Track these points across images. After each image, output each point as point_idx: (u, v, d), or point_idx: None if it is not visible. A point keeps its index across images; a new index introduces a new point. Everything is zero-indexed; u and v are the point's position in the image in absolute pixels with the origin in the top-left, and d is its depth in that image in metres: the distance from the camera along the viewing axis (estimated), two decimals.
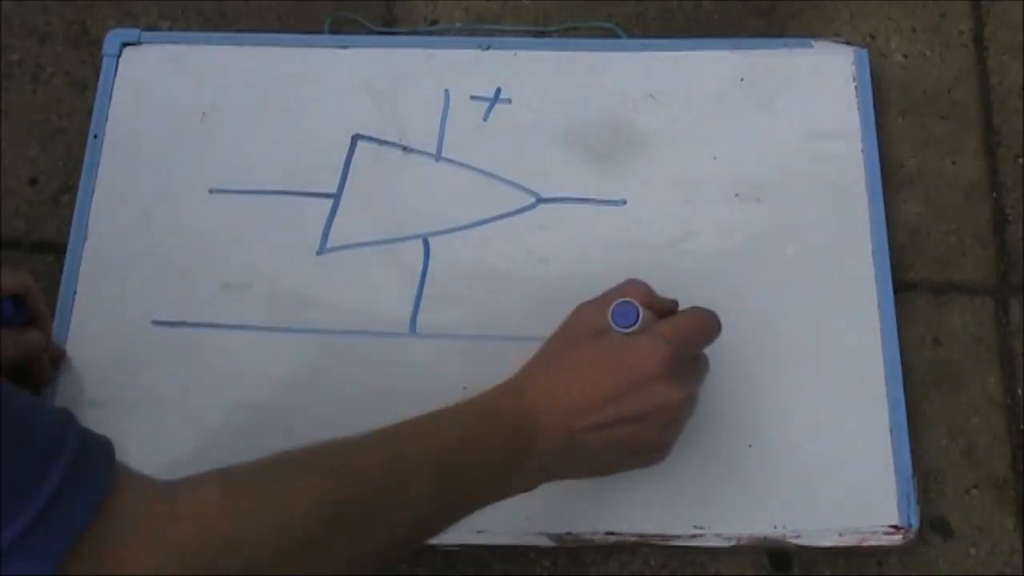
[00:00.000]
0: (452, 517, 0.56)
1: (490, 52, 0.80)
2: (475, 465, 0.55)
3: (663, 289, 0.72)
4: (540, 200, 0.75)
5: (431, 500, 0.54)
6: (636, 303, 0.59)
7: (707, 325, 0.61)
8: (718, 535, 0.66)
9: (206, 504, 0.48)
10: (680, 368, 0.59)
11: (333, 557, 0.50)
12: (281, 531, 0.48)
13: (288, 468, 0.51)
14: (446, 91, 0.78)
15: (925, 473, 0.69)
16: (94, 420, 0.69)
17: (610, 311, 0.59)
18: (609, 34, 0.81)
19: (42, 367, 0.69)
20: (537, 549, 0.67)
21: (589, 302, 0.62)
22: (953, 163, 0.78)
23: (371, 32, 0.81)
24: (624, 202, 0.75)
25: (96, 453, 0.46)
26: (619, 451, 0.59)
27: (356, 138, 0.77)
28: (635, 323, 0.58)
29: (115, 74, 0.79)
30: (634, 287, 0.61)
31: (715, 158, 0.76)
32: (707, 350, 0.63)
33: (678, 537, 0.66)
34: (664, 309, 0.62)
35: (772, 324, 0.71)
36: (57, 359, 0.70)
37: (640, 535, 0.66)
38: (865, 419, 0.69)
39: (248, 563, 0.47)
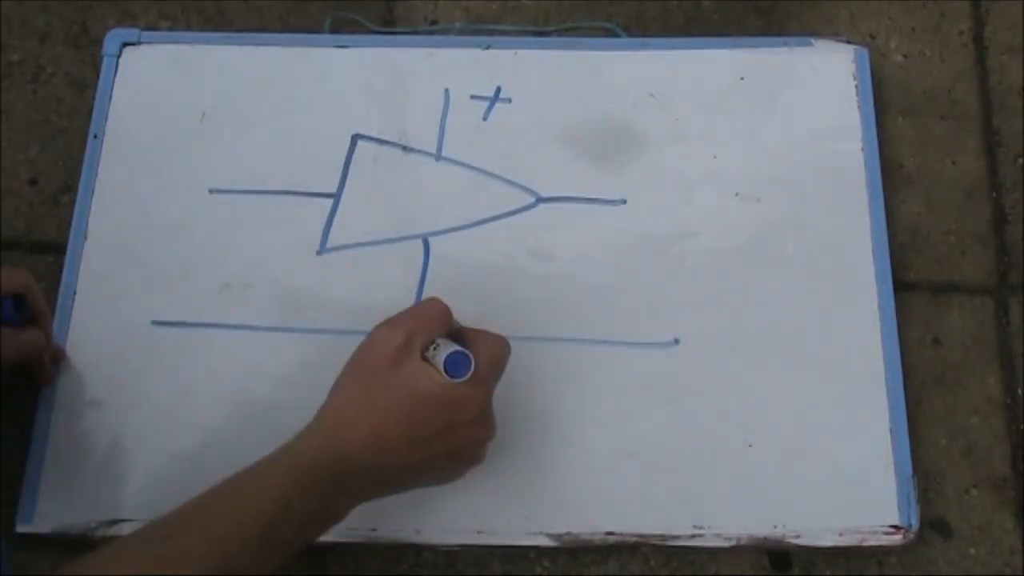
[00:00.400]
0: (274, 566, 0.56)
1: (490, 52, 0.80)
2: (295, 524, 0.56)
3: (663, 288, 0.72)
4: (540, 200, 0.75)
5: (254, 567, 0.55)
6: (470, 355, 0.59)
7: (506, 348, 0.63)
8: (718, 535, 0.66)
9: None
10: (490, 404, 0.61)
11: None
12: None
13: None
14: (446, 91, 0.78)
15: (925, 473, 0.69)
16: (94, 420, 0.69)
17: (443, 361, 0.58)
18: (609, 34, 0.81)
19: (44, 367, 0.69)
20: (537, 549, 0.67)
21: (391, 325, 0.60)
22: (953, 163, 0.78)
23: (371, 32, 0.81)
24: (624, 201, 0.75)
25: None
26: (425, 479, 0.62)
27: (356, 138, 0.77)
28: (467, 375, 0.59)
29: (115, 74, 0.79)
30: (437, 314, 0.61)
31: (715, 157, 0.76)
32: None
33: (678, 537, 0.66)
34: (451, 317, 0.63)
35: (772, 324, 0.71)
36: (58, 358, 0.70)
37: (640, 535, 0.66)
38: (865, 419, 0.69)
39: None
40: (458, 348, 0.59)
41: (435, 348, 0.60)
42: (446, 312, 0.62)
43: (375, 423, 0.58)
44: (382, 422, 0.58)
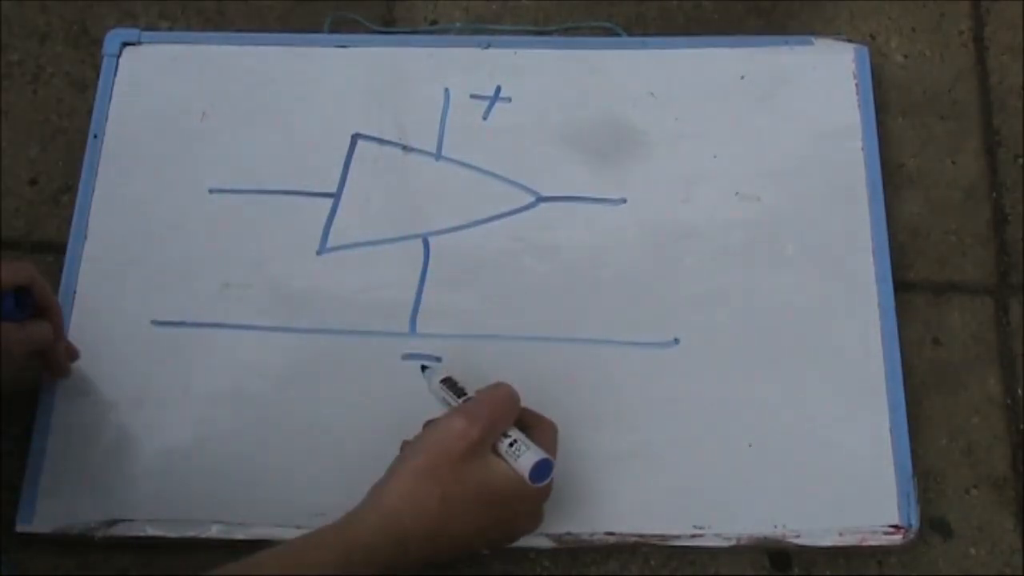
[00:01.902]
0: None
1: (490, 51, 0.80)
2: None
3: (663, 288, 0.72)
4: (540, 199, 0.75)
5: None
6: (553, 461, 0.60)
7: (557, 433, 0.63)
8: (718, 535, 0.66)
9: None
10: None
11: None
12: None
13: None
14: (446, 90, 0.78)
15: (925, 473, 0.69)
16: (94, 420, 0.69)
17: (528, 471, 0.59)
18: (609, 34, 0.81)
19: (57, 360, 0.68)
20: (537, 549, 0.67)
21: (469, 418, 0.59)
22: (953, 163, 0.78)
23: (371, 32, 0.81)
24: (624, 201, 0.75)
25: None
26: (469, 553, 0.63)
27: (356, 138, 0.77)
28: (548, 479, 0.60)
29: (115, 74, 0.79)
30: (508, 409, 0.61)
31: (715, 157, 0.76)
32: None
33: (678, 537, 0.66)
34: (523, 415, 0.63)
35: (772, 324, 0.71)
36: (73, 356, 0.69)
37: (640, 535, 0.66)
38: (865, 419, 0.69)
39: None
40: (543, 455, 0.59)
41: (511, 444, 0.60)
42: (517, 402, 0.61)
43: (443, 516, 0.57)
44: (450, 516, 0.57)
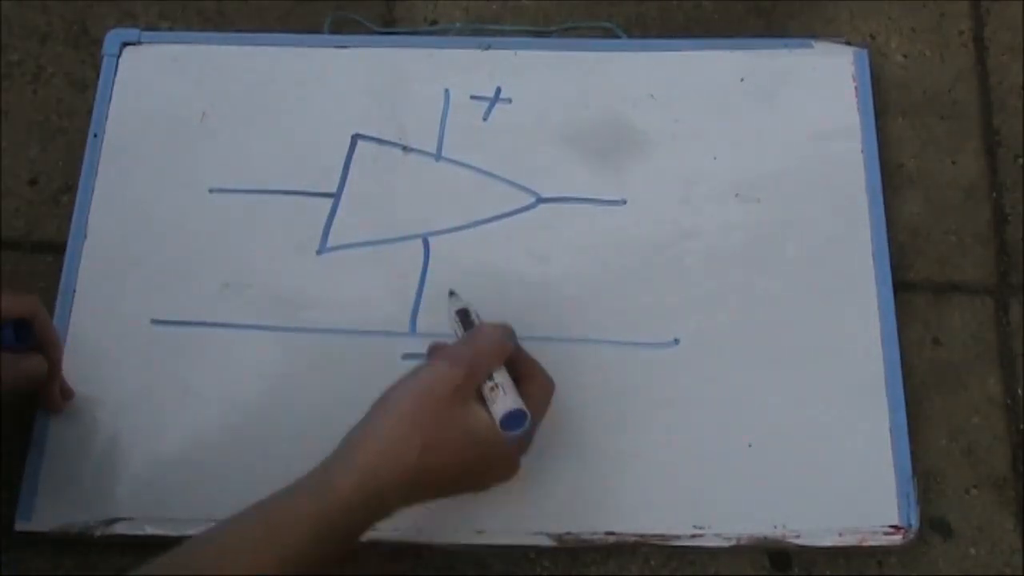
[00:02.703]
0: None
1: (490, 52, 0.80)
2: (320, 564, 0.55)
3: (663, 288, 0.72)
4: (540, 200, 0.75)
5: None
6: (527, 413, 0.59)
7: (551, 395, 0.63)
8: (718, 535, 0.66)
9: None
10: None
11: None
12: None
13: None
14: (446, 91, 0.78)
15: (925, 473, 0.69)
16: (94, 419, 0.69)
17: (500, 419, 0.58)
18: (609, 34, 0.81)
19: (49, 395, 0.67)
20: (537, 549, 0.67)
21: (452, 361, 0.58)
22: (953, 163, 0.78)
23: (371, 32, 0.81)
24: (624, 202, 0.75)
25: None
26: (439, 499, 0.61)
27: (356, 138, 0.77)
28: (523, 429, 0.59)
29: (115, 74, 0.79)
30: (493, 349, 0.60)
31: (715, 158, 0.76)
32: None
33: (678, 537, 0.66)
34: (512, 348, 0.62)
35: (772, 324, 0.71)
36: (66, 396, 0.69)
37: (640, 535, 0.66)
38: (865, 419, 0.69)
39: None
40: (518, 406, 0.59)
41: (492, 389, 0.59)
42: (504, 343, 0.61)
43: (422, 467, 0.56)
44: (429, 466, 0.57)
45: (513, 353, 0.62)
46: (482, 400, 0.59)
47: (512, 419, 0.59)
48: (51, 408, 0.68)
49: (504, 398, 0.59)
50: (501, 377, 0.60)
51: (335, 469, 0.56)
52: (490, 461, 0.60)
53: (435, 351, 0.63)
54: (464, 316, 0.64)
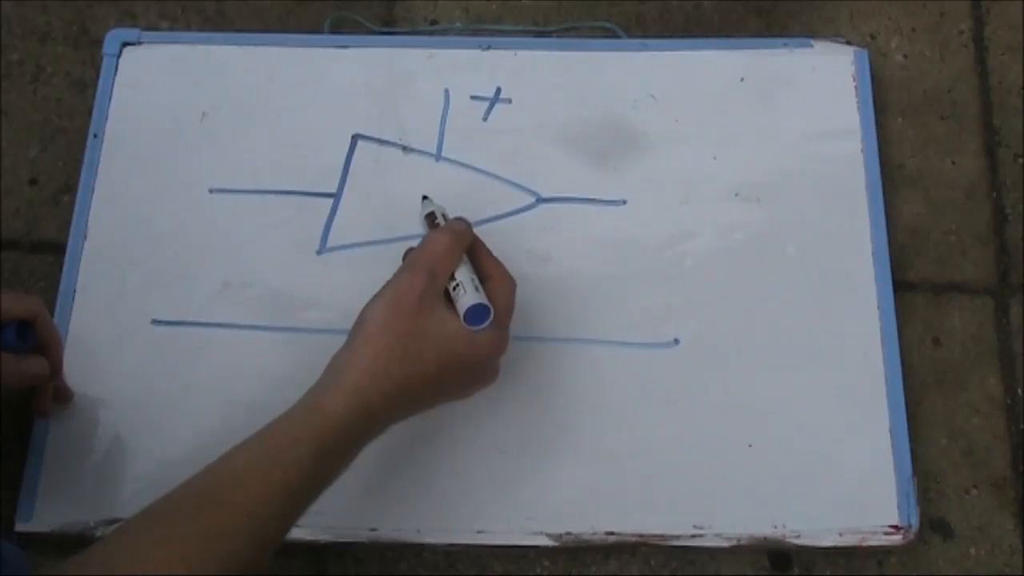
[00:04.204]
0: (292, 525, 0.57)
1: (490, 52, 0.80)
2: (322, 485, 0.57)
3: (663, 288, 0.72)
4: (540, 200, 0.75)
5: (284, 531, 0.56)
6: (488, 304, 0.60)
7: (515, 290, 0.64)
8: (718, 535, 0.66)
9: None
10: (507, 345, 0.63)
11: None
12: None
13: (160, 558, 0.52)
14: (446, 91, 0.78)
15: (925, 473, 0.69)
16: (94, 420, 0.69)
17: (464, 313, 0.60)
18: (609, 34, 0.81)
19: (44, 398, 0.68)
20: (537, 549, 0.67)
21: (411, 269, 0.60)
22: (953, 163, 0.78)
23: (371, 32, 0.81)
24: (624, 202, 0.75)
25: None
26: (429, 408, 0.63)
27: (356, 138, 0.77)
28: (487, 323, 0.61)
29: (115, 74, 0.79)
30: (447, 250, 0.61)
31: (715, 158, 0.76)
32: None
33: (678, 537, 0.66)
34: (468, 238, 0.64)
35: (772, 324, 0.71)
36: (66, 398, 0.69)
37: (640, 535, 0.66)
38: (865, 419, 0.69)
39: None
40: (477, 301, 0.60)
41: (455, 288, 0.61)
42: (456, 244, 0.62)
43: (406, 376, 0.58)
44: (412, 374, 0.58)
45: (478, 255, 0.64)
46: (451, 302, 0.61)
47: (475, 314, 0.60)
48: (40, 412, 0.68)
49: (465, 295, 0.61)
50: (462, 275, 0.61)
51: (324, 394, 0.58)
52: (468, 362, 0.61)
53: (405, 257, 0.64)
54: (431, 220, 0.66)
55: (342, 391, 0.57)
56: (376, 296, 0.60)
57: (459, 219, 0.65)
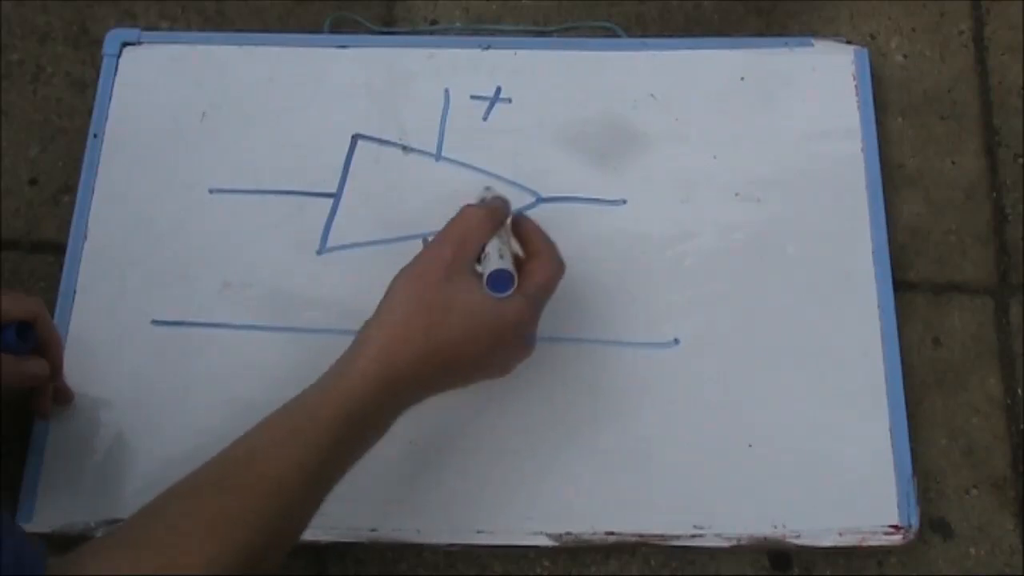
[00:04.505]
0: (325, 498, 0.57)
1: (490, 52, 0.80)
2: (348, 457, 0.57)
3: (663, 288, 0.72)
4: (540, 200, 0.75)
5: (311, 506, 0.56)
6: (512, 272, 0.60)
7: (562, 267, 0.63)
8: (718, 535, 0.66)
9: None
10: (537, 320, 0.62)
11: None
12: None
13: (181, 538, 0.52)
14: (446, 91, 0.78)
15: (925, 473, 0.69)
16: (94, 420, 0.69)
17: (486, 278, 0.60)
18: (609, 34, 0.81)
19: (44, 399, 0.68)
20: (537, 549, 0.67)
21: (439, 241, 0.61)
22: (953, 163, 0.78)
23: (371, 32, 0.81)
24: (624, 202, 0.75)
25: (26, 568, 0.47)
26: (456, 387, 0.62)
27: (356, 138, 0.77)
28: (510, 291, 0.60)
29: (115, 74, 0.79)
30: (478, 222, 0.61)
31: (715, 158, 0.76)
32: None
33: (678, 537, 0.66)
34: (503, 215, 0.64)
35: (772, 324, 0.71)
36: (67, 398, 0.69)
37: (640, 535, 0.66)
38: (865, 419, 0.69)
39: None
40: (503, 267, 0.60)
41: (485, 258, 0.61)
42: (489, 218, 0.62)
43: (430, 343, 0.58)
44: (437, 341, 0.58)
45: (526, 232, 0.64)
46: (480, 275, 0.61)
47: (496, 280, 0.60)
48: (40, 413, 0.68)
49: (488, 262, 0.60)
50: (491, 246, 0.61)
51: (348, 363, 0.58)
52: (494, 331, 0.59)
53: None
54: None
55: (365, 358, 0.57)
56: (405, 267, 0.61)
57: (498, 197, 0.65)
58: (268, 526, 0.53)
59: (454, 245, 0.60)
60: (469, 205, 0.63)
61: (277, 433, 0.56)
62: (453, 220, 0.62)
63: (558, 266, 0.63)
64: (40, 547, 0.49)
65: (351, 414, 0.56)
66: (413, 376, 0.58)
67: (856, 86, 0.78)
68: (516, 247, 0.64)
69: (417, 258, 0.61)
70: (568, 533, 0.66)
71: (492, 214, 0.63)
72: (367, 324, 0.59)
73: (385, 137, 0.77)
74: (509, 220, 0.65)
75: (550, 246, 0.64)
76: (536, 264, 0.62)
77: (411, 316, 0.58)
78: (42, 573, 0.48)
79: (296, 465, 0.54)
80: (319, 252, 0.74)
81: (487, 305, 0.59)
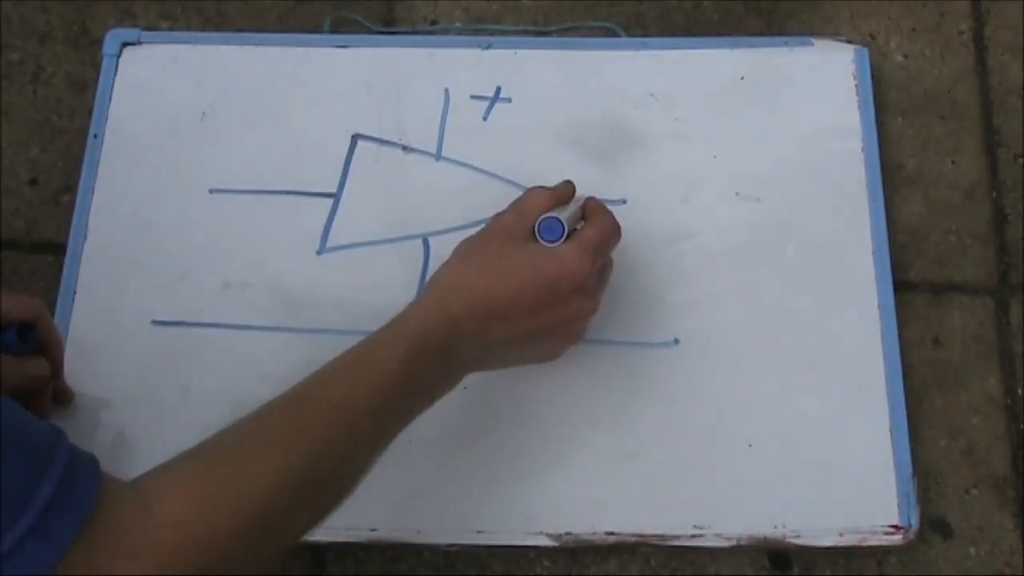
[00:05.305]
0: (389, 441, 0.57)
1: (490, 52, 0.80)
2: (411, 395, 0.58)
3: (663, 288, 0.72)
4: None
5: (376, 439, 0.56)
6: (561, 218, 0.61)
7: (616, 231, 0.65)
8: (718, 535, 0.66)
9: (178, 507, 0.49)
10: (595, 277, 0.62)
11: (301, 524, 0.53)
12: (251, 519, 0.50)
13: (250, 449, 0.53)
14: (446, 91, 0.78)
15: (925, 473, 0.69)
16: (94, 420, 0.69)
17: (536, 227, 0.61)
18: (609, 34, 0.81)
19: (44, 399, 0.68)
20: (537, 549, 0.67)
21: (506, 211, 0.63)
22: (953, 163, 0.78)
23: (371, 32, 0.81)
24: (624, 202, 0.75)
25: (82, 468, 0.48)
26: (526, 354, 0.64)
27: (356, 138, 0.77)
28: (560, 238, 0.61)
29: (115, 74, 0.79)
30: (539, 196, 0.64)
31: (715, 157, 0.76)
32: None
33: (678, 537, 0.66)
34: (565, 197, 0.66)
35: (772, 324, 0.71)
36: (67, 398, 0.69)
37: (640, 535, 0.66)
38: (865, 419, 0.69)
39: (224, 555, 0.49)
40: (553, 215, 0.61)
41: (542, 220, 0.61)
42: (550, 195, 0.64)
43: (485, 288, 0.59)
44: (492, 286, 0.59)
45: (589, 206, 0.66)
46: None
47: (546, 227, 0.61)
48: (42, 411, 0.68)
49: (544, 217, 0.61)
50: (551, 213, 0.62)
51: (410, 307, 0.60)
52: (551, 281, 0.60)
53: None
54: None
55: (425, 299, 0.59)
56: (467, 237, 0.63)
57: (565, 181, 0.67)
58: (335, 446, 0.54)
59: (513, 214, 0.62)
60: (537, 187, 0.65)
61: (343, 363, 0.57)
62: (518, 198, 0.64)
63: (612, 223, 0.64)
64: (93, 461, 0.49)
65: (412, 346, 0.57)
66: (469, 315, 0.58)
67: (856, 86, 0.78)
68: (580, 222, 0.65)
69: (479, 230, 0.63)
70: (568, 533, 0.66)
71: (554, 192, 0.65)
72: (428, 279, 0.62)
73: (385, 137, 0.77)
74: (577, 198, 0.67)
75: (607, 212, 0.65)
76: (590, 222, 0.64)
77: (469, 263, 0.60)
78: (99, 484, 0.48)
79: (363, 388, 0.55)
80: (319, 252, 0.74)
81: (539, 252, 0.60)
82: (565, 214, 0.62)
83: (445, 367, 0.59)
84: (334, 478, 0.54)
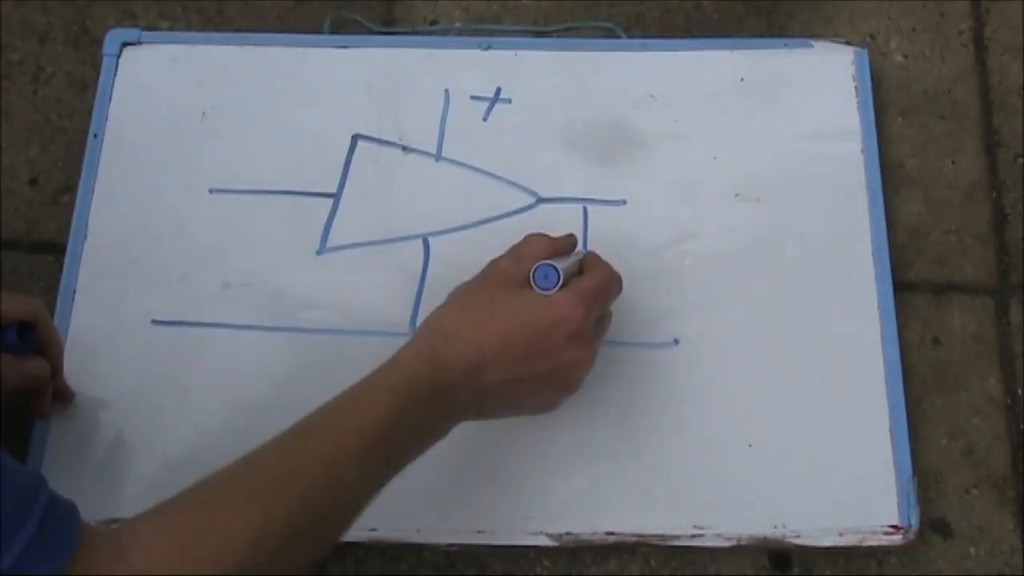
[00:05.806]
0: (377, 491, 0.56)
1: (490, 52, 0.80)
2: (400, 442, 0.56)
3: (663, 288, 0.72)
4: (540, 200, 0.75)
5: (362, 488, 0.55)
6: (557, 266, 0.60)
7: (616, 283, 0.64)
8: (718, 535, 0.66)
9: (153, 559, 0.48)
10: (590, 327, 0.61)
11: (279, 572, 0.52)
12: (229, 571, 0.49)
13: (229, 498, 0.52)
14: (446, 91, 0.78)
15: (925, 473, 0.69)
16: (94, 420, 0.69)
17: (532, 273, 0.60)
18: (609, 34, 0.81)
19: (44, 399, 0.68)
20: (537, 549, 0.67)
21: (503, 257, 0.63)
22: (953, 163, 0.78)
23: (371, 32, 0.81)
24: (624, 202, 0.75)
25: (62, 516, 0.48)
26: (521, 403, 0.62)
27: (356, 138, 0.77)
28: (556, 285, 0.60)
29: (115, 74, 0.79)
30: (538, 242, 0.63)
31: (715, 158, 0.76)
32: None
33: (678, 537, 0.66)
34: (566, 248, 0.65)
35: (772, 324, 0.71)
36: (67, 398, 0.69)
37: (640, 535, 0.66)
38: (865, 419, 0.69)
39: None
40: (548, 263, 0.60)
41: (537, 267, 0.61)
42: (549, 243, 0.63)
43: (477, 333, 0.58)
44: (483, 334, 0.58)
45: (588, 260, 0.65)
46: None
47: (542, 274, 0.60)
48: (39, 413, 0.68)
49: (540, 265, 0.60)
50: (547, 261, 0.61)
51: (401, 351, 0.59)
52: (545, 328, 0.59)
53: None
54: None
55: (415, 343, 0.58)
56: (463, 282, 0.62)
57: (568, 234, 0.67)
58: (319, 495, 0.53)
59: (510, 259, 0.62)
60: (536, 233, 0.64)
61: (329, 408, 0.56)
62: (516, 244, 0.63)
63: (611, 274, 0.64)
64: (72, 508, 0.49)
65: (400, 390, 0.56)
66: (462, 362, 0.57)
67: (856, 86, 0.78)
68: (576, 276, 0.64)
69: (475, 275, 0.62)
70: (568, 533, 0.66)
71: (553, 241, 0.63)
72: (420, 324, 0.60)
73: (385, 137, 0.77)
74: (577, 252, 0.66)
75: (606, 264, 0.64)
76: (589, 272, 0.63)
77: (461, 309, 0.60)
78: (79, 528, 0.48)
79: (349, 434, 0.54)
80: (319, 252, 0.74)
81: (534, 299, 0.59)
82: (563, 264, 0.61)
83: (435, 414, 0.58)
84: (318, 528, 0.53)
